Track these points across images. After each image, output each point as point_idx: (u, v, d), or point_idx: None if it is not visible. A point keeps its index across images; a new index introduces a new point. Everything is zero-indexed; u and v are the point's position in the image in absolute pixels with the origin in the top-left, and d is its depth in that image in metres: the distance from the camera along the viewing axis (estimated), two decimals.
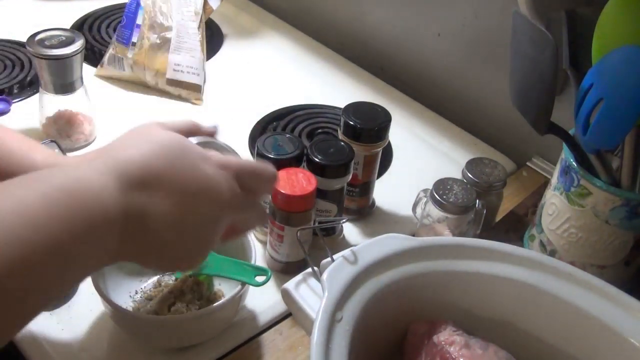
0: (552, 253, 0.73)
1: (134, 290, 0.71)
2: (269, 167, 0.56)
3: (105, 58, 1.04)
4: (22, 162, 0.58)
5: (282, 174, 0.70)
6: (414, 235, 0.65)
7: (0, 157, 0.58)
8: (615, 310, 0.56)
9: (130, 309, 0.68)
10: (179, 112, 1.01)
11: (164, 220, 0.46)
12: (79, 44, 0.85)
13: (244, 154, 0.93)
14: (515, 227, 0.84)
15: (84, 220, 0.41)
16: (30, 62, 1.05)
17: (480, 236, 0.75)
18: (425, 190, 0.77)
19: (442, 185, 0.74)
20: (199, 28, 1.07)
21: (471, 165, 0.80)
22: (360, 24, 1.15)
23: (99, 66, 1.05)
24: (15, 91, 1.00)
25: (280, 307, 0.71)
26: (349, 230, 0.83)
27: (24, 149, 0.60)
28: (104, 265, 0.46)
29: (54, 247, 0.39)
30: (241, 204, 0.52)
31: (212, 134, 0.65)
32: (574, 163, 0.68)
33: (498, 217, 0.85)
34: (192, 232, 0.48)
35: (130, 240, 0.44)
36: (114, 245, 0.43)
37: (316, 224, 0.72)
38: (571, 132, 0.70)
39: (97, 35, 1.15)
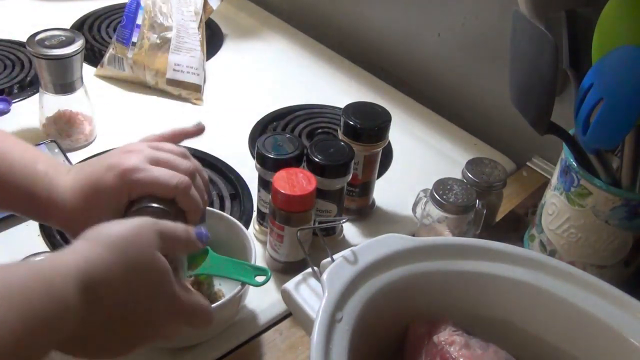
0: (552, 253, 0.73)
1: None
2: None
3: (105, 58, 1.04)
4: (24, 172, 0.59)
5: (282, 174, 0.70)
6: (414, 235, 0.65)
7: (4, 169, 0.58)
8: (615, 310, 0.56)
9: None
10: (179, 112, 1.01)
11: (115, 326, 0.48)
12: (79, 44, 0.85)
13: (244, 154, 0.93)
14: (515, 227, 0.84)
15: (44, 319, 0.42)
16: (30, 62, 1.05)
17: (480, 236, 0.75)
18: (425, 190, 0.77)
19: (442, 185, 0.74)
20: (199, 28, 1.07)
21: (471, 165, 0.80)
22: (360, 24, 1.15)
23: (99, 66, 1.05)
24: (15, 91, 1.00)
25: (280, 307, 0.71)
26: (349, 230, 0.83)
27: (26, 158, 0.60)
28: (46, 355, 0.46)
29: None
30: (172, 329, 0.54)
31: (198, 132, 0.67)
32: (574, 163, 0.68)
33: (498, 217, 0.85)
34: (138, 333, 0.50)
35: (80, 338, 0.46)
36: (62, 339, 0.45)
37: (316, 224, 0.72)
38: (571, 132, 0.70)
39: (97, 35, 1.15)
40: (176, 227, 0.54)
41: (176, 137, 0.67)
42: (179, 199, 0.59)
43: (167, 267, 0.51)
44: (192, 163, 0.62)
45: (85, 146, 0.92)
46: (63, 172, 0.60)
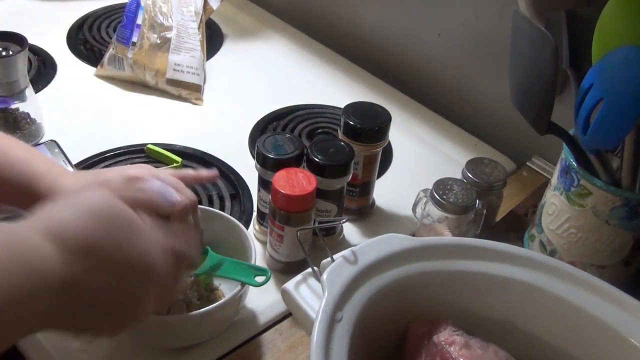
0: (552, 253, 0.73)
1: None
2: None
3: (105, 58, 1.04)
4: (24, 172, 0.59)
5: (282, 174, 0.70)
6: (414, 235, 0.65)
7: (3, 167, 0.58)
8: (615, 310, 0.56)
9: None
10: (179, 112, 1.01)
11: (97, 293, 0.45)
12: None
13: (244, 154, 0.93)
14: (515, 227, 0.84)
15: (22, 279, 0.40)
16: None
17: (480, 236, 0.76)
18: (425, 190, 0.77)
19: (442, 185, 0.74)
20: (199, 28, 1.07)
21: (471, 165, 0.80)
22: (360, 24, 1.15)
23: (99, 66, 1.05)
24: None
25: (280, 307, 0.71)
26: (349, 230, 0.83)
27: (28, 158, 0.60)
28: (29, 333, 0.44)
29: None
30: (167, 284, 0.52)
31: (213, 178, 0.68)
32: (574, 163, 0.68)
33: (498, 217, 0.85)
34: (122, 305, 0.48)
35: (61, 307, 0.44)
36: (44, 308, 0.42)
37: (316, 224, 0.72)
38: (571, 132, 0.70)
39: (97, 35, 1.15)
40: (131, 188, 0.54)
41: (189, 179, 0.66)
42: (175, 217, 0.58)
43: (132, 212, 0.49)
44: (196, 199, 0.62)
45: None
46: (65, 174, 0.60)
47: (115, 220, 0.47)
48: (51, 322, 0.44)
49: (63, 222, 0.45)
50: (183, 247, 0.54)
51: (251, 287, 0.66)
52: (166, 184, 0.59)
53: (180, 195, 0.59)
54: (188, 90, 1.03)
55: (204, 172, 0.68)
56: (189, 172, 0.67)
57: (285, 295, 0.57)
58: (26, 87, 0.89)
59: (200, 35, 1.06)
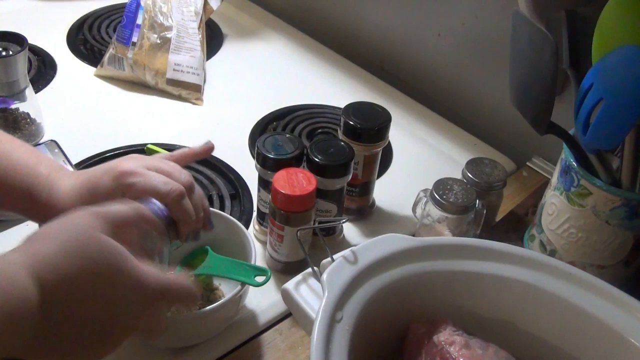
0: (552, 253, 0.73)
1: None
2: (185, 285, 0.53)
3: (105, 58, 1.04)
4: (26, 172, 0.59)
5: (282, 174, 0.70)
6: (414, 235, 0.65)
7: (6, 169, 0.58)
8: (615, 310, 0.56)
9: None
10: (179, 112, 1.01)
11: (75, 328, 0.45)
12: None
13: (244, 154, 0.93)
14: (515, 227, 0.84)
15: (2, 314, 0.40)
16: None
17: (480, 236, 0.76)
18: (425, 190, 0.77)
19: (442, 185, 0.74)
20: (199, 28, 1.07)
21: (471, 165, 0.80)
22: (360, 24, 1.15)
23: (99, 66, 1.05)
24: None
25: (280, 307, 0.71)
26: (349, 230, 0.83)
27: (29, 159, 0.60)
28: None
29: None
30: (150, 320, 0.51)
31: (207, 152, 0.67)
32: (574, 163, 0.68)
33: (498, 217, 0.85)
34: (101, 338, 0.47)
35: (40, 341, 0.43)
36: (24, 341, 0.42)
37: (316, 224, 0.72)
38: (571, 132, 0.70)
39: (97, 35, 1.15)
40: (120, 206, 0.51)
41: (185, 158, 0.66)
42: (171, 207, 0.58)
43: (119, 248, 0.47)
44: (191, 180, 0.62)
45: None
46: (65, 175, 0.60)
47: (95, 257, 0.46)
48: (31, 354, 0.44)
49: (44, 258, 0.44)
50: (166, 286, 0.51)
51: (251, 287, 0.66)
52: (159, 170, 0.59)
53: (173, 182, 0.59)
54: (188, 90, 1.03)
55: (198, 148, 0.67)
56: (183, 151, 0.66)
57: (285, 295, 0.57)
58: (26, 87, 0.89)
59: (200, 35, 1.06)
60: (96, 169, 0.61)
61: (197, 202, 0.62)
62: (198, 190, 0.63)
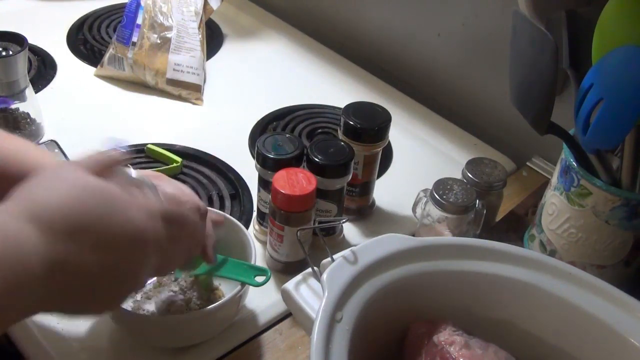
0: (552, 253, 0.73)
1: None
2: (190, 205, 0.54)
3: (105, 58, 1.04)
4: (23, 166, 0.59)
5: (282, 174, 0.70)
6: (414, 235, 0.65)
7: (3, 155, 0.58)
8: (615, 310, 0.56)
9: (130, 308, 0.68)
10: (179, 112, 1.01)
11: (89, 271, 0.44)
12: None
13: (244, 154, 0.93)
14: (515, 227, 0.84)
15: (8, 270, 0.39)
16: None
17: (480, 236, 0.76)
18: (425, 190, 0.77)
19: (442, 185, 0.74)
20: (199, 28, 1.07)
21: (471, 165, 0.80)
22: (360, 24, 1.15)
23: (99, 66, 1.05)
24: None
25: (280, 307, 0.71)
26: (349, 230, 0.83)
27: (29, 151, 0.60)
28: (23, 317, 0.44)
29: None
30: (166, 249, 0.51)
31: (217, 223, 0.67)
32: (574, 163, 0.68)
33: (498, 217, 0.85)
34: (117, 279, 0.47)
35: (53, 289, 0.43)
36: (38, 296, 0.42)
37: (316, 224, 0.72)
38: (571, 132, 0.70)
39: (97, 35, 1.15)
40: (91, 155, 0.51)
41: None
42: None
43: (112, 186, 0.47)
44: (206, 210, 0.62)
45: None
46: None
47: (92, 194, 0.45)
48: (45, 306, 0.44)
49: (42, 203, 0.44)
50: (174, 207, 0.52)
51: (251, 287, 0.66)
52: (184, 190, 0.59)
53: (191, 197, 0.58)
54: (188, 90, 1.03)
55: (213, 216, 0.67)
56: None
57: (285, 295, 0.57)
58: (26, 87, 0.89)
59: (200, 35, 1.06)
60: None
61: (209, 229, 0.62)
62: (208, 224, 0.63)
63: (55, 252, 0.42)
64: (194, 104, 1.03)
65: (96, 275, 0.45)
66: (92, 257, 0.44)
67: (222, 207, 0.83)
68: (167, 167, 0.87)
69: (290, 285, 0.57)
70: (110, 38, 1.10)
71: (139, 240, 0.47)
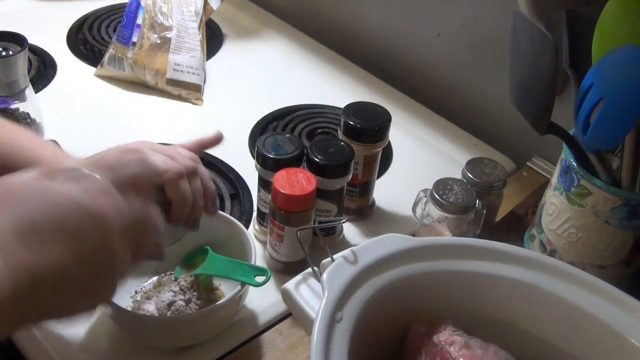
0: (552, 253, 0.73)
1: (133, 290, 0.71)
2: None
3: (105, 58, 1.04)
4: (31, 158, 0.59)
5: (282, 174, 0.70)
6: (414, 235, 0.65)
7: (10, 152, 0.59)
8: (615, 310, 0.56)
9: (130, 308, 0.68)
10: (179, 112, 1.01)
11: (58, 270, 0.42)
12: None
13: (244, 154, 0.93)
14: (515, 227, 0.84)
15: None
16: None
17: (480, 236, 0.76)
18: (425, 190, 0.77)
19: (442, 185, 0.74)
20: (199, 28, 1.07)
21: (471, 165, 0.80)
22: (360, 24, 1.15)
23: (98, 66, 1.05)
24: None
25: (280, 307, 0.71)
26: (349, 230, 0.83)
27: (33, 145, 0.60)
28: (16, 332, 0.43)
29: None
30: (132, 220, 0.49)
31: (217, 142, 0.68)
32: (574, 163, 0.68)
33: (498, 217, 0.85)
34: (91, 267, 0.45)
35: (34, 301, 0.41)
36: (13, 317, 0.40)
37: (316, 224, 0.72)
38: (571, 132, 0.70)
39: (97, 35, 1.15)
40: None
41: (195, 148, 0.66)
42: (166, 186, 0.57)
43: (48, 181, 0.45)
44: (199, 167, 0.61)
45: None
46: (68, 157, 0.61)
47: (29, 191, 0.44)
48: (32, 318, 0.43)
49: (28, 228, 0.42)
50: (127, 173, 0.51)
51: (251, 287, 0.66)
52: (164, 152, 0.58)
53: (173, 162, 0.58)
54: (188, 90, 1.03)
55: (207, 138, 0.67)
56: (191, 142, 0.66)
57: (285, 295, 0.57)
58: (26, 87, 0.89)
59: (200, 35, 1.06)
60: (101, 151, 0.60)
61: (197, 189, 0.61)
62: (204, 176, 0.62)
63: (17, 266, 0.40)
64: (194, 104, 1.03)
65: (68, 271, 0.43)
66: (55, 255, 0.42)
67: (222, 207, 0.83)
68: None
69: (290, 285, 0.57)
70: (110, 38, 1.10)
71: (100, 222, 0.45)
